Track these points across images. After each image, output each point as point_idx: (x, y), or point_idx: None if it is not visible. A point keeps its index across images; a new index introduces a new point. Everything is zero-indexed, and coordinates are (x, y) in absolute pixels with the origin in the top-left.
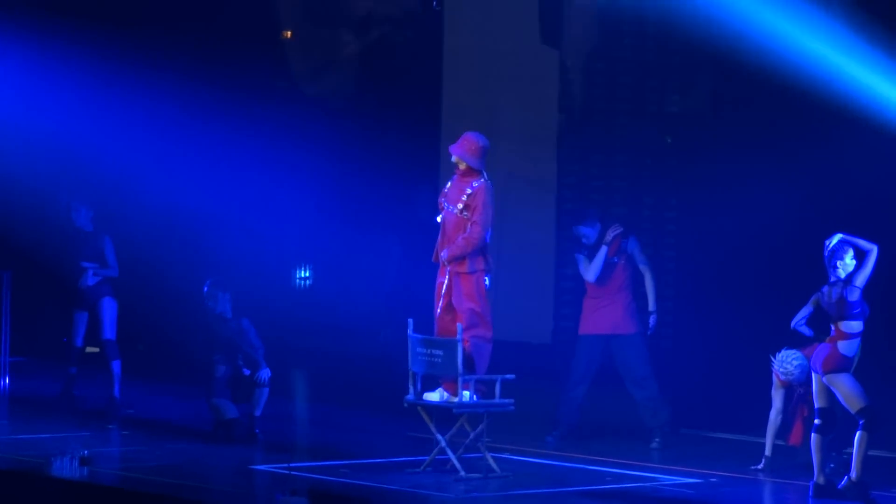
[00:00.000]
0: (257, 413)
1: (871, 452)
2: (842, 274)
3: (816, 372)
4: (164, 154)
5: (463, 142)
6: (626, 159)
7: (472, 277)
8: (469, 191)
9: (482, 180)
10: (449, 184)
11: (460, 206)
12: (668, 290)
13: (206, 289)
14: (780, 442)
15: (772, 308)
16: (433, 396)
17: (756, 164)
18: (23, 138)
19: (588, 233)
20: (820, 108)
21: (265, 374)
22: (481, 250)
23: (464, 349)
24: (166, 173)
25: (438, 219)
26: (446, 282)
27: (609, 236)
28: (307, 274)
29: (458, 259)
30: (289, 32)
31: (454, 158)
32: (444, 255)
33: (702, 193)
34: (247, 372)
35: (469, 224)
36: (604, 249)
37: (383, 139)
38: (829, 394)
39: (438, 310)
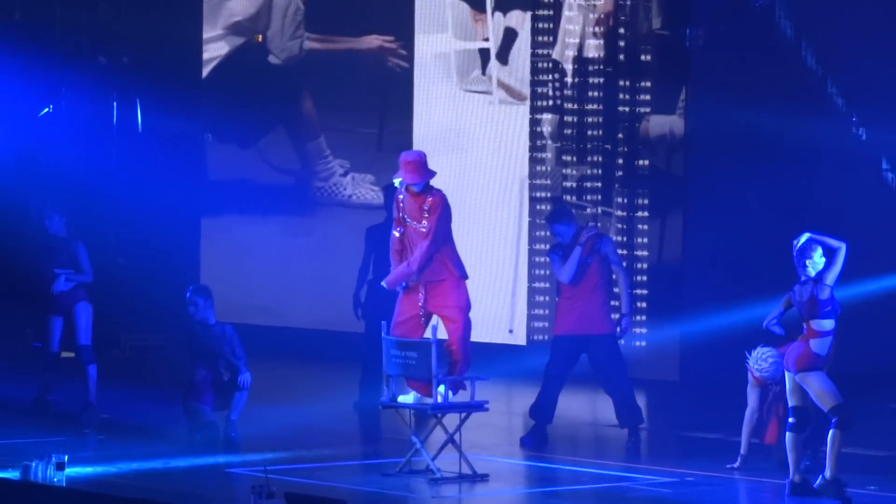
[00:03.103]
0: (234, 417)
1: (845, 450)
2: (811, 272)
3: (789, 370)
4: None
5: (404, 167)
6: (600, 160)
7: (461, 283)
8: (429, 199)
9: (436, 192)
10: (401, 196)
11: (424, 223)
12: (641, 291)
13: (187, 295)
14: (755, 440)
15: (746, 307)
16: (407, 399)
17: (731, 165)
18: None
19: (563, 231)
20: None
21: (246, 377)
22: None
23: (454, 358)
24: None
25: (396, 233)
26: (422, 293)
27: (583, 237)
28: None
29: (409, 276)
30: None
31: (404, 184)
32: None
33: (676, 196)
34: (226, 378)
35: (425, 235)
36: (578, 250)
37: None
38: (803, 392)
39: (418, 319)
